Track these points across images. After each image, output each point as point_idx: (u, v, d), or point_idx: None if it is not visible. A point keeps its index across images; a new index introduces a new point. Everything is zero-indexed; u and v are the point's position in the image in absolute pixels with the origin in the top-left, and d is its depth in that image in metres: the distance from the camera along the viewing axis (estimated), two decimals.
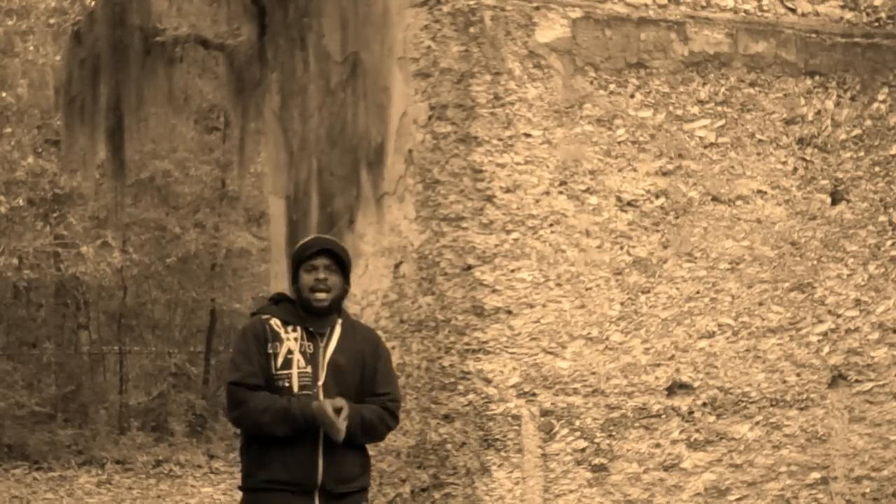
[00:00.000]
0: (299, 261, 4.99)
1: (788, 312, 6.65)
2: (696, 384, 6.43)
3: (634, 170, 6.35)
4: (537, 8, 6.18)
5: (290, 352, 4.90)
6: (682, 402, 6.41)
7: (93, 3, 9.53)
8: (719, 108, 6.54)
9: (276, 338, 4.92)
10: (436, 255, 6.13)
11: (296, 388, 4.88)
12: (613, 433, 6.24)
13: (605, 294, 6.26)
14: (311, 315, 4.96)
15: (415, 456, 6.22)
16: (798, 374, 6.66)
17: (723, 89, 6.55)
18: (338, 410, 4.81)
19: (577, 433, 6.16)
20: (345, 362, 4.96)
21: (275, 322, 4.95)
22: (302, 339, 4.93)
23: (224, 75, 9.14)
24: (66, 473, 15.21)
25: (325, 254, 4.97)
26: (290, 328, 4.94)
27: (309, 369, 4.91)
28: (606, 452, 6.22)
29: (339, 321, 5.01)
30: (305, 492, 4.87)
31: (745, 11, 6.66)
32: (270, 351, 4.90)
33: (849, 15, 6.92)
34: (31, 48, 15.23)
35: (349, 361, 4.96)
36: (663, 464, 6.35)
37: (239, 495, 5.13)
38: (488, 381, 6.00)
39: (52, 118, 15.00)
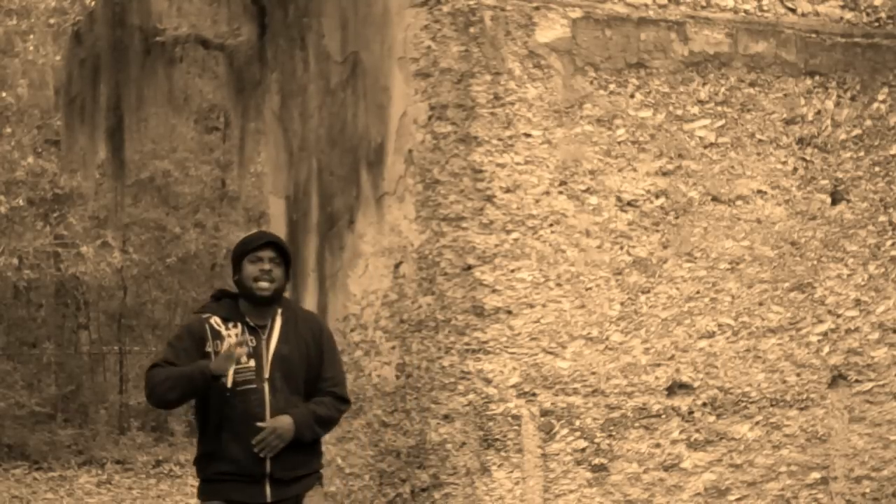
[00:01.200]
0: (243, 253, 5.10)
1: (788, 312, 6.65)
2: (696, 384, 6.43)
3: (634, 170, 6.35)
4: (537, 8, 6.18)
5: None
6: (682, 402, 6.41)
7: (93, 3, 9.53)
8: (719, 108, 6.54)
9: (217, 336, 5.02)
10: (436, 255, 6.13)
11: (253, 382, 5.02)
12: (613, 433, 6.24)
13: (605, 294, 6.26)
14: (252, 307, 5.06)
15: (415, 456, 6.22)
16: (798, 374, 6.66)
17: (723, 89, 6.55)
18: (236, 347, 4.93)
19: (577, 433, 6.16)
20: (289, 352, 5.06)
21: (215, 320, 5.05)
22: (242, 333, 5.03)
23: (224, 75, 9.15)
24: (66, 473, 15.22)
25: (270, 246, 5.10)
26: (230, 325, 5.04)
27: (252, 363, 5.00)
28: (606, 452, 6.22)
29: (280, 311, 5.11)
30: (255, 480, 5.00)
31: (745, 11, 6.66)
32: (210, 349, 5.00)
33: (849, 15, 6.92)
34: (31, 48, 15.24)
35: (294, 351, 5.06)
36: (663, 464, 6.35)
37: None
38: (488, 381, 6.00)
39: (52, 118, 15.02)
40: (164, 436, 17.03)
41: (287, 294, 5.51)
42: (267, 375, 5.03)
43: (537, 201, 6.13)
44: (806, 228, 6.71)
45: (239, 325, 5.06)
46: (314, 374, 5.12)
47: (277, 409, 5.01)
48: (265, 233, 5.32)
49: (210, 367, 4.92)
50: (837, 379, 6.77)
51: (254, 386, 5.01)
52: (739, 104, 6.58)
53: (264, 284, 5.03)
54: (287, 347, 5.06)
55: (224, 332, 5.03)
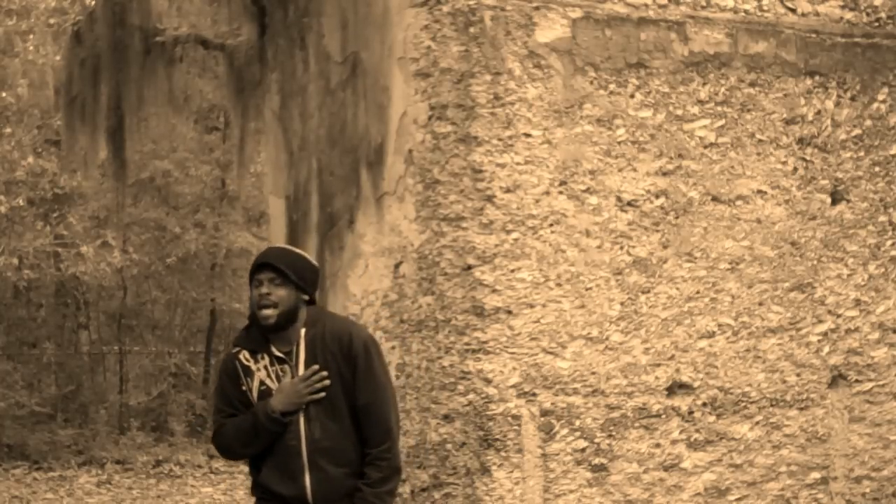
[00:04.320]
0: (250, 278, 4.76)
1: (788, 312, 6.65)
2: (696, 384, 6.43)
3: (634, 170, 6.35)
4: (537, 8, 6.19)
5: (262, 383, 4.72)
6: (682, 402, 6.41)
7: (93, 3, 9.53)
8: (719, 108, 6.54)
9: (248, 372, 4.73)
10: (436, 255, 6.13)
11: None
12: (613, 433, 6.24)
13: (605, 294, 6.26)
14: (273, 334, 4.71)
15: (415, 456, 6.22)
16: (798, 374, 6.66)
17: (723, 89, 6.55)
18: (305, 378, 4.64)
19: (577, 433, 6.17)
20: None
21: (243, 355, 4.76)
22: (271, 365, 4.72)
23: (224, 75, 9.15)
24: (66, 473, 15.22)
25: (266, 268, 4.70)
26: (258, 357, 4.74)
27: None
28: (606, 452, 6.22)
29: (303, 331, 4.74)
30: None
31: (745, 11, 6.67)
32: (244, 388, 4.73)
33: (849, 15, 6.92)
34: (31, 48, 15.25)
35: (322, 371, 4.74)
36: (663, 464, 6.35)
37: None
38: (488, 381, 6.00)
39: (52, 118, 15.04)
40: (164, 436, 17.03)
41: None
42: (302, 406, 4.69)
43: (537, 201, 6.13)
44: (806, 228, 6.71)
45: (266, 356, 4.72)
46: (351, 392, 4.69)
47: (314, 440, 4.67)
48: (267, 251, 4.90)
49: (271, 410, 4.63)
50: (837, 379, 6.77)
51: (293, 417, 4.67)
52: (739, 104, 6.58)
53: (266, 312, 4.66)
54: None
55: (252, 367, 4.72)
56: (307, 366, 4.69)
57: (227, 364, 4.81)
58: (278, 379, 4.70)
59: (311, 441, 4.68)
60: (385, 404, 4.76)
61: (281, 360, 4.72)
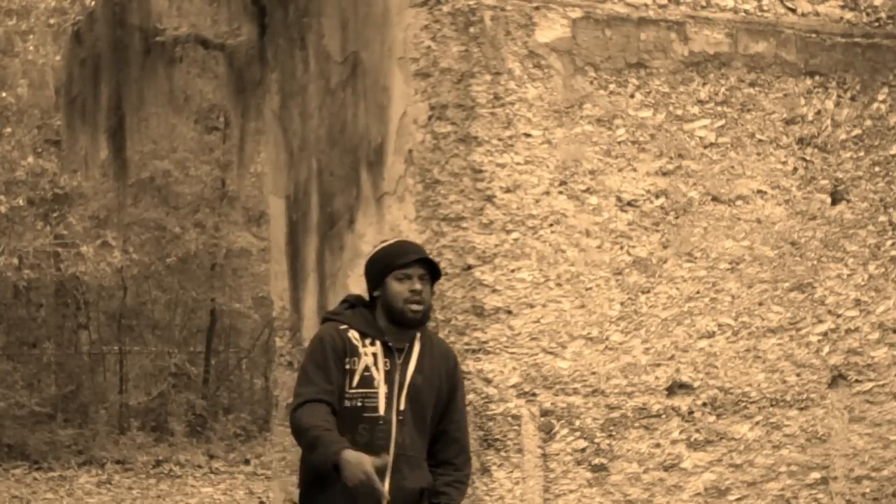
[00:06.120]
0: (389, 267, 4.58)
1: (788, 312, 6.65)
2: (696, 384, 6.43)
3: (634, 170, 6.36)
4: (537, 8, 6.19)
5: (366, 369, 4.53)
6: (682, 402, 6.41)
7: (93, 3, 9.53)
8: (719, 108, 6.54)
9: (354, 352, 4.53)
10: (436, 255, 6.13)
11: (382, 410, 4.52)
12: (613, 433, 6.24)
13: (605, 294, 6.26)
14: (393, 327, 4.58)
15: None
16: (798, 374, 6.67)
17: (723, 89, 6.55)
18: (380, 470, 4.37)
19: (577, 433, 6.17)
20: (422, 383, 4.59)
21: (353, 334, 4.56)
22: (381, 354, 4.55)
23: (224, 75, 9.16)
24: (66, 473, 15.23)
25: (421, 263, 4.58)
26: (367, 341, 4.56)
27: (386, 389, 4.54)
28: (606, 452, 6.22)
29: (418, 335, 4.62)
30: None
31: (745, 11, 6.67)
32: (348, 367, 4.52)
33: (849, 15, 6.93)
34: (31, 48, 15.24)
35: (427, 382, 4.61)
36: (663, 464, 6.35)
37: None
38: (488, 381, 6.00)
39: (52, 118, 15.04)
40: (164, 436, 17.04)
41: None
42: (401, 406, 4.54)
43: (537, 201, 6.13)
44: (806, 228, 6.71)
45: (378, 342, 4.55)
46: (440, 412, 4.64)
47: (402, 445, 4.53)
48: (412, 245, 4.72)
49: (339, 462, 4.29)
50: (837, 379, 6.77)
51: (380, 415, 4.51)
52: (739, 104, 6.58)
53: (416, 307, 4.52)
54: (421, 377, 4.56)
55: (360, 349, 4.53)
56: (417, 369, 4.59)
57: (334, 339, 4.56)
58: (384, 370, 4.55)
59: (400, 446, 4.55)
60: (467, 430, 4.81)
61: (390, 352, 4.57)
